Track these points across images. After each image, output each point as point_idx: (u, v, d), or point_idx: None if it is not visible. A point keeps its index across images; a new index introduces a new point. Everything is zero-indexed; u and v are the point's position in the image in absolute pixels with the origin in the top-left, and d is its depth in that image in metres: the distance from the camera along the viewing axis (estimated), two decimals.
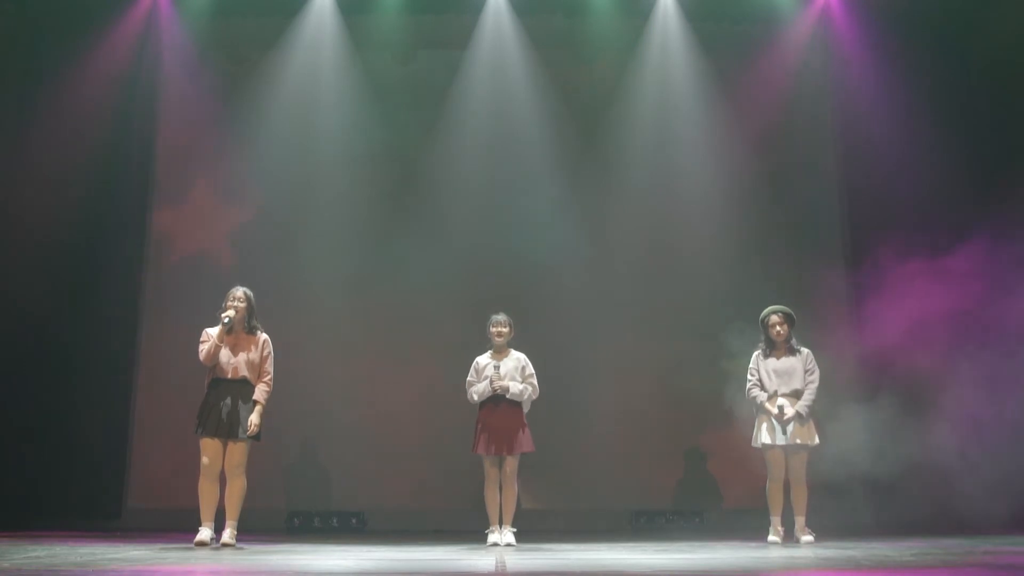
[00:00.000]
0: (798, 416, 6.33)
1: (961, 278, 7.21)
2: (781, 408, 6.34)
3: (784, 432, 6.33)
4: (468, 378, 6.46)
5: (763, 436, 6.36)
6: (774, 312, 6.56)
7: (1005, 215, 7.25)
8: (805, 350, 6.54)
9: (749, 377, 6.53)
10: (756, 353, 6.58)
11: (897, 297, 7.50)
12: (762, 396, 6.43)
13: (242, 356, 6.00)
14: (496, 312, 6.53)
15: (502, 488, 6.29)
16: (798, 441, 6.32)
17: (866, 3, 8.95)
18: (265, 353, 6.09)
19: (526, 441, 6.28)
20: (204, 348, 6.00)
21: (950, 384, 7.11)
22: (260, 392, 6.01)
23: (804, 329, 6.80)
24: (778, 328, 6.50)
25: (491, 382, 6.29)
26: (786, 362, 6.48)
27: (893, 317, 7.43)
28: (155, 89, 9.05)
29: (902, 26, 8.67)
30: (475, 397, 6.39)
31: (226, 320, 5.97)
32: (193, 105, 9.02)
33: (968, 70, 8.37)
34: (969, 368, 7.05)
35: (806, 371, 6.47)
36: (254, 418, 5.94)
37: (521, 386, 6.33)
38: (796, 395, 6.41)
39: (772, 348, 6.54)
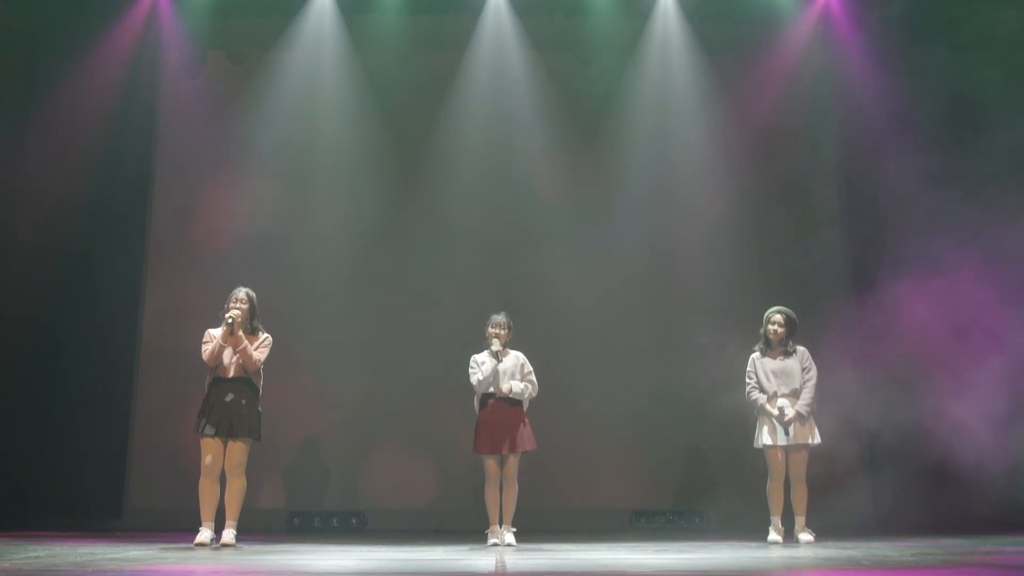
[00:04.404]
0: (799, 416, 6.34)
1: (962, 276, 7.22)
2: (781, 409, 6.34)
3: (786, 432, 6.33)
4: (470, 368, 6.39)
5: (764, 437, 6.36)
6: (778, 312, 6.56)
7: (1006, 213, 7.26)
8: (801, 348, 6.54)
9: (748, 380, 6.53)
10: (753, 356, 6.57)
11: (898, 296, 7.50)
12: (762, 398, 6.43)
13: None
14: (496, 312, 6.53)
15: (503, 487, 6.29)
16: (800, 441, 6.32)
17: (866, 2, 8.95)
18: (264, 345, 6.08)
19: (528, 439, 6.29)
20: (207, 349, 6.01)
21: (951, 383, 7.12)
22: (251, 349, 5.99)
23: (805, 329, 6.80)
24: (777, 328, 6.50)
25: (494, 354, 6.28)
26: (783, 362, 6.48)
27: (896, 316, 7.43)
28: (155, 89, 9.05)
29: (902, 25, 8.66)
30: (479, 377, 6.31)
31: (229, 321, 5.98)
32: (193, 105, 9.02)
33: (969, 69, 8.36)
34: (969, 367, 7.05)
35: (803, 369, 6.47)
36: (242, 336, 5.95)
37: (522, 385, 6.33)
38: (795, 395, 6.41)
39: (768, 348, 6.54)
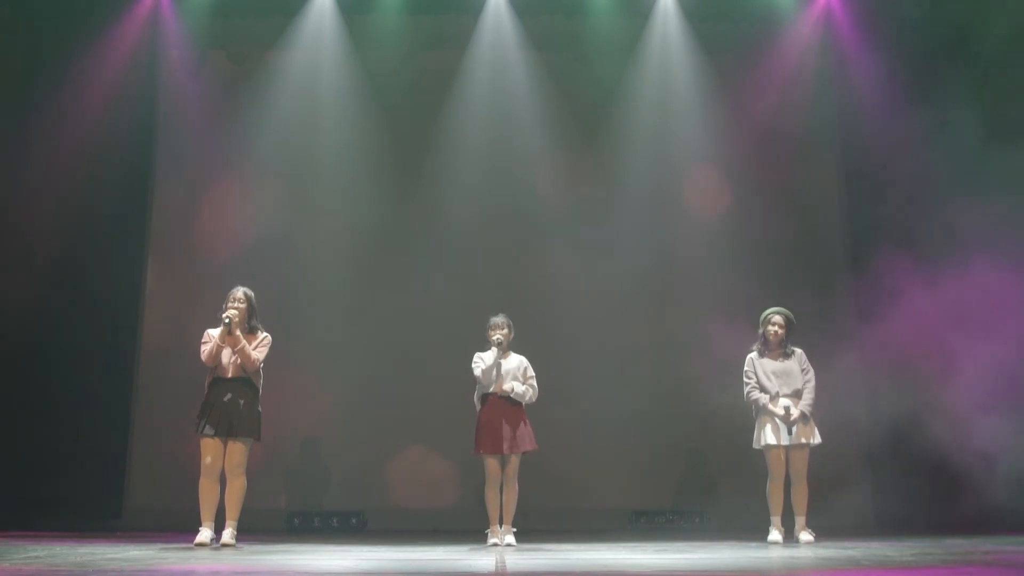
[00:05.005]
0: (802, 416, 6.35)
1: (964, 273, 7.22)
2: (787, 409, 6.35)
3: (789, 432, 6.33)
4: (474, 363, 6.36)
5: (768, 437, 6.35)
6: (777, 313, 6.56)
7: (1007, 214, 7.26)
8: (798, 350, 6.55)
9: (746, 380, 6.52)
10: (750, 356, 6.57)
11: (899, 295, 7.50)
12: (764, 398, 6.42)
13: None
14: (495, 314, 6.51)
15: (503, 488, 6.27)
16: (802, 440, 6.33)
17: (867, 2, 8.95)
18: (263, 344, 6.07)
19: (529, 439, 6.28)
20: (205, 349, 6.01)
21: (952, 382, 7.12)
22: (249, 349, 5.97)
23: (807, 329, 6.81)
24: (777, 329, 6.50)
25: (497, 343, 6.27)
26: (784, 363, 6.49)
27: (895, 315, 7.43)
28: (155, 89, 9.05)
29: (903, 25, 8.66)
30: (483, 367, 6.30)
31: (226, 321, 5.97)
32: (193, 105, 9.02)
33: (969, 69, 8.36)
34: (971, 365, 7.06)
35: (803, 371, 6.48)
36: (240, 336, 5.93)
37: (523, 387, 6.32)
38: (797, 395, 6.41)
39: (766, 349, 6.54)
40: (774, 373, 6.46)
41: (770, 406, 6.39)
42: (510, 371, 6.34)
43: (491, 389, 6.31)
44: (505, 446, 6.20)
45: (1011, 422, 7.02)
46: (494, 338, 6.35)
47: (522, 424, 6.29)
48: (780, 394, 6.41)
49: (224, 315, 6.00)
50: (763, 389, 6.45)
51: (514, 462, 6.27)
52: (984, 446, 6.97)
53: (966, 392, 7.06)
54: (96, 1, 8.82)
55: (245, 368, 6.00)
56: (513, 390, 6.28)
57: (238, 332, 6.00)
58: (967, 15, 8.40)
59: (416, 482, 8.46)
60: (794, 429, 6.34)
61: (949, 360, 7.18)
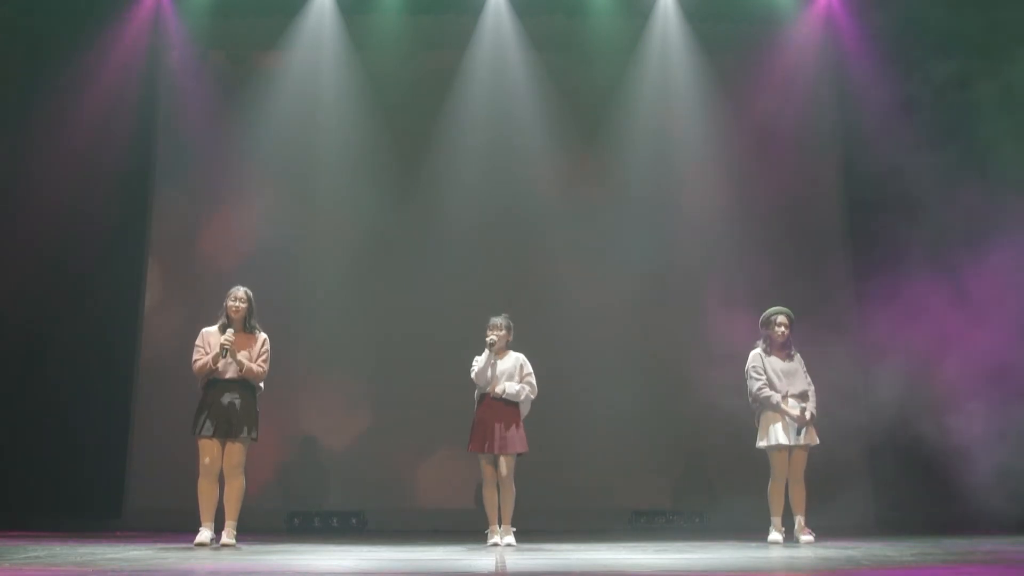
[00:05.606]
0: (812, 417, 6.36)
1: (965, 271, 7.23)
2: (804, 410, 6.35)
3: (799, 433, 6.34)
4: (471, 367, 6.39)
5: (779, 436, 6.33)
6: (781, 312, 6.56)
7: (1006, 211, 7.27)
8: (797, 352, 6.56)
9: (756, 376, 6.48)
10: (756, 352, 6.56)
11: (899, 294, 7.50)
12: (776, 396, 6.40)
13: (241, 356, 5.99)
14: (495, 314, 6.50)
15: (500, 488, 6.27)
16: (807, 442, 6.34)
17: (867, 2, 8.95)
18: (263, 349, 6.08)
19: (519, 441, 6.25)
20: (199, 362, 5.98)
21: (953, 380, 7.12)
22: (252, 365, 5.98)
23: (808, 328, 6.81)
24: (783, 328, 6.51)
25: (489, 345, 6.28)
26: (789, 364, 6.50)
27: (896, 313, 7.44)
28: (155, 89, 9.04)
29: (903, 24, 8.66)
30: (476, 368, 6.32)
31: (224, 354, 5.93)
32: (194, 105, 9.01)
33: (969, 67, 8.36)
34: (972, 365, 7.06)
35: (805, 372, 6.50)
36: (243, 360, 5.92)
37: (518, 386, 6.31)
38: (802, 396, 6.41)
39: (771, 348, 6.54)
40: (783, 372, 6.47)
41: (783, 405, 6.39)
42: (505, 371, 6.34)
43: (486, 390, 6.32)
44: (495, 446, 6.19)
45: (1012, 420, 7.02)
46: (487, 339, 6.35)
47: (514, 426, 6.26)
48: (789, 394, 6.42)
49: (224, 339, 5.95)
50: (773, 388, 6.44)
51: (506, 463, 6.23)
52: (985, 445, 6.97)
53: (967, 390, 7.07)
54: (96, 1, 8.83)
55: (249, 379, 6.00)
56: (504, 391, 6.27)
57: (239, 357, 5.98)
58: (966, 13, 8.40)
59: (416, 482, 8.46)
60: (803, 431, 6.35)
61: (950, 358, 7.19)
